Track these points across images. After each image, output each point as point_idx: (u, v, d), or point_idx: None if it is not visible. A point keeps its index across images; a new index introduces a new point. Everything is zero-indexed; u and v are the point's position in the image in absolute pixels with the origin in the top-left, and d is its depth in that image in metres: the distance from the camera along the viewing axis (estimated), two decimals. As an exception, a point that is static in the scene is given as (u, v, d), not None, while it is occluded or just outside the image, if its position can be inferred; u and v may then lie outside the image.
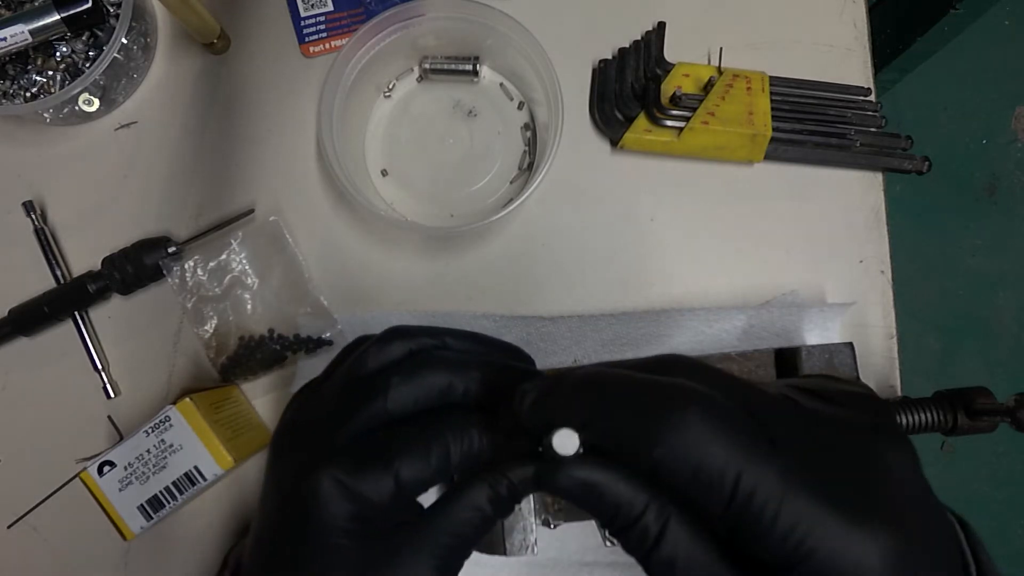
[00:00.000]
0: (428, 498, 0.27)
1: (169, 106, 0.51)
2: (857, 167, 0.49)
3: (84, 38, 0.48)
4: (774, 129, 0.47)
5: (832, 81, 0.50)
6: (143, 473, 0.41)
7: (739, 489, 0.21)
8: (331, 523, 0.25)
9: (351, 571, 0.24)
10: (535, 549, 0.40)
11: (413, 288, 0.49)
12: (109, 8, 0.48)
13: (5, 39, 0.44)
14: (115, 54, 0.46)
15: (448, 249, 0.49)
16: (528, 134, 0.50)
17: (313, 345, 0.47)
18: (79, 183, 0.50)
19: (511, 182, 0.50)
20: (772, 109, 0.47)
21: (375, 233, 0.49)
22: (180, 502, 0.42)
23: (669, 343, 0.46)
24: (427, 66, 0.50)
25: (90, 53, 0.48)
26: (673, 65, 0.49)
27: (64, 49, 0.48)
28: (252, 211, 0.49)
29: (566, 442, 0.23)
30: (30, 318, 0.47)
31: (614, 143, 0.49)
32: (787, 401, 0.24)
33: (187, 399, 0.41)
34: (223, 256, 0.47)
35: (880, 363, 0.48)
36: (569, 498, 0.23)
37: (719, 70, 0.49)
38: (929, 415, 0.40)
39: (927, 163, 0.48)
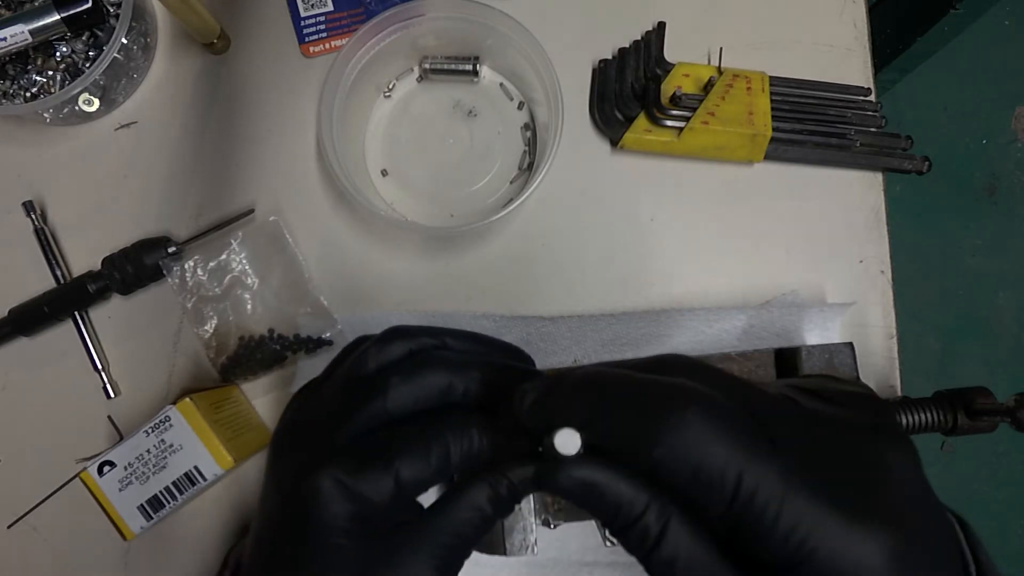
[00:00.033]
0: (428, 498, 0.27)
1: (169, 106, 0.51)
2: (857, 167, 0.49)
3: (84, 38, 0.48)
4: (774, 129, 0.47)
5: (832, 81, 0.50)
6: (143, 473, 0.41)
7: (741, 489, 0.21)
8: (331, 523, 0.25)
9: (351, 571, 0.24)
10: (535, 549, 0.40)
11: (413, 288, 0.49)
12: (109, 8, 0.48)
13: (5, 39, 0.44)
14: (115, 54, 0.46)
15: (448, 249, 0.49)
16: (528, 134, 0.50)
17: (313, 345, 0.47)
18: (79, 183, 0.50)
19: (511, 182, 0.50)
20: (772, 109, 0.47)
21: (375, 233, 0.49)
22: (180, 502, 0.42)
23: (669, 343, 0.46)
24: (427, 66, 0.50)
25: (90, 53, 0.48)
26: (673, 65, 0.49)
27: (64, 49, 0.48)
28: (252, 211, 0.49)
29: (568, 442, 0.23)
30: (30, 318, 0.47)
31: (614, 143, 0.49)
32: (787, 401, 0.24)
33: (187, 399, 0.41)
34: (223, 256, 0.47)
35: (880, 363, 0.48)
36: (569, 498, 0.23)
37: (719, 70, 0.49)
38: (929, 415, 0.40)
39: (927, 163, 0.48)
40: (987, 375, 1.32)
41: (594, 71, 0.50)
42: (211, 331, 0.47)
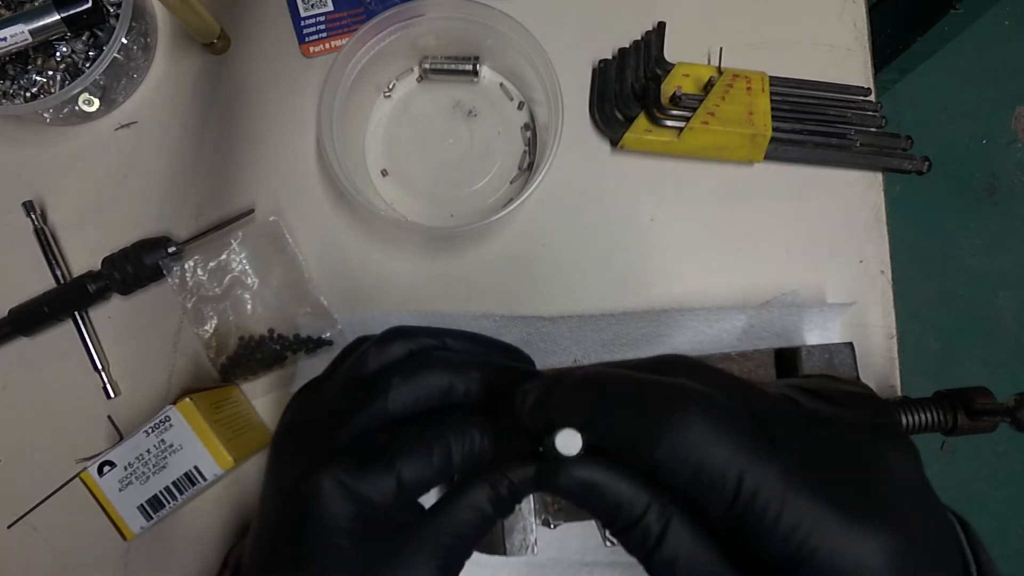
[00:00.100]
0: (428, 499, 0.27)
1: (169, 106, 0.51)
2: (857, 167, 0.49)
3: (84, 38, 0.48)
4: (774, 129, 0.47)
5: (832, 81, 0.50)
6: (143, 473, 0.41)
7: (742, 489, 0.21)
8: (332, 523, 0.25)
9: (351, 571, 0.24)
10: (535, 549, 0.40)
11: (413, 288, 0.49)
12: (109, 8, 0.48)
13: (5, 39, 0.44)
14: (115, 54, 0.46)
15: (448, 249, 0.49)
16: (528, 134, 0.50)
17: (313, 345, 0.47)
18: (79, 183, 0.50)
19: (511, 182, 0.50)
20: (772, 109, 0.47)
21: (375, 233, 0.49)
22: (180, 502, 0.42)
23: (669, 343, 0.46)
24: (427, 66, 0.50)
25: (90, 53, 0.48)
26: (673, 65, 0.49)
27: (64, 49, 0.48)
28: (252, 211, 0.49)
29: (569, 442, 0.23)
30: (30, 318, 0.47)
31: (614, 143, 0.49)
32: (788, 401, 0.24)
33: (187, 399, 0.41)
34: (223, 256, 0.47)
35: (880, 363, 0.48)
36: (570, 498, 0.23)
37: (719, 70, 0.49)
38: (929, 415, 0.40)
39: (927, 163, 0.48)
40: (987, 375, 1.32)
41: (594, 71, 0.50)
42: (211, 331, 0.47)
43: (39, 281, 0.48)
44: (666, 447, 0.21)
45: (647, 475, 0.22)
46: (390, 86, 0.51)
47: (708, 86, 0.48)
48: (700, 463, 0.21)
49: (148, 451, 0.41)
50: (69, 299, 0.47)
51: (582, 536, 0.45)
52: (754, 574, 0.22)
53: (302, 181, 0.50)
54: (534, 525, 0.40)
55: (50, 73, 0.47)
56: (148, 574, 0.48)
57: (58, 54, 0.48)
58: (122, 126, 0.51)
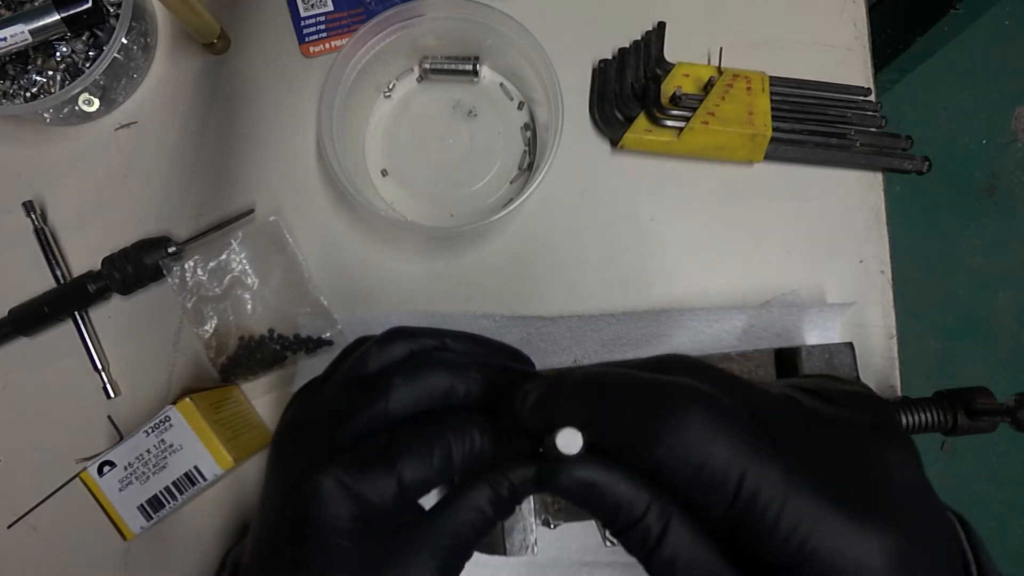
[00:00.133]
0: (427, 499, 0.27)
1: (169, 106, 0.51)
2: (857, 167, 0.49)
3: (84, 38, 0.48)
4: (774, 129, 0.47)
5: (832, 81, 0.50)
6: (143, 473, 0.41)
7: (743, 489, 0.21)
8: (332, 524, 0.25)
9: (351, 572, 0.24)
10: (535, 549, 0.40)
11: (413, 288, 0.49)
12: (109, 8, 0.48)
13: (5, 39, 0.44)
14: (115, 54, 0.46)
15: (448, 249, 0.49)
16: (528, 134, 0.50)
17: (313, 345, 0.47)
18: (79, 183, 0.50)
19: (511, 182, 0.50)
20: (772, 109, 0.47)
21: (375, 233, 0.49)
22: (180, 502, 0.42)
23: (669, 343, 0.46)
24: (427, 66, 0.50)
25: (90, 53, 0.48)
26: (673, 65, 0.49)
27: (64, 49, 0.48)
28: (252, 211, 0.49)
29: (570, 441, 0.23)
30: (30, 318, 0.47)
31: (614, 143, 0.49)
32: (788, 401, 0.24)
33: (187, 399, 0.41)
34: (223, 256, 0.47)
35: (880, 363, 0.48)
36: (570, 498, 0.23)
37: (719, 70, 0.49)
38: (929, 415, 0.40)
39: (927, 163, 0.48)
40: (987, 375, 1.32)
41: (594, 71, 0.50)
42: (211, 331, 0.47)
43: (39, 281, 0.48)
44: (667, 446, 0.21)
45: (648, 474, 0.22)
46: (390, 86, 0.51)
47: (708, 86, 0.48)
48: (701, 462, 0.21)
49: (148, 451, 0.41)
50: (69, 299, 0.47)
51: (582, 536, 0.45)
52: (754, 574, 0.22)
53: (302, 181, 0.50)
54: (534, 525, 0.40)
55: (50, 73, 0.47)
56: (148, 574, 0.48)
57: (58, 54, 0.48)
58: (122, 126, 0.51)
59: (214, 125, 0.50)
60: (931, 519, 0.23)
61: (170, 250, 0.47)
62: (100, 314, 0.49)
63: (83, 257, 0.49)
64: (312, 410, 0.29)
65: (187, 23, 0.46)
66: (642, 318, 0.46)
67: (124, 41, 0.46)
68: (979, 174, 1.35)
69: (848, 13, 0.51)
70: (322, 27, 0.51)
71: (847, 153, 0.48)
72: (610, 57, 0.50)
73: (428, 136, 0.50)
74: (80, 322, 0.48)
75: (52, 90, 0.47)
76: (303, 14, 0.51)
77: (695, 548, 0.22)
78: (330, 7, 0.50)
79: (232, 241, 0.47)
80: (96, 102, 0.48)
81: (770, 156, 0.48)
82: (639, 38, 0.50)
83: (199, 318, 0.47)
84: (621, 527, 0.23)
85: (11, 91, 0.47)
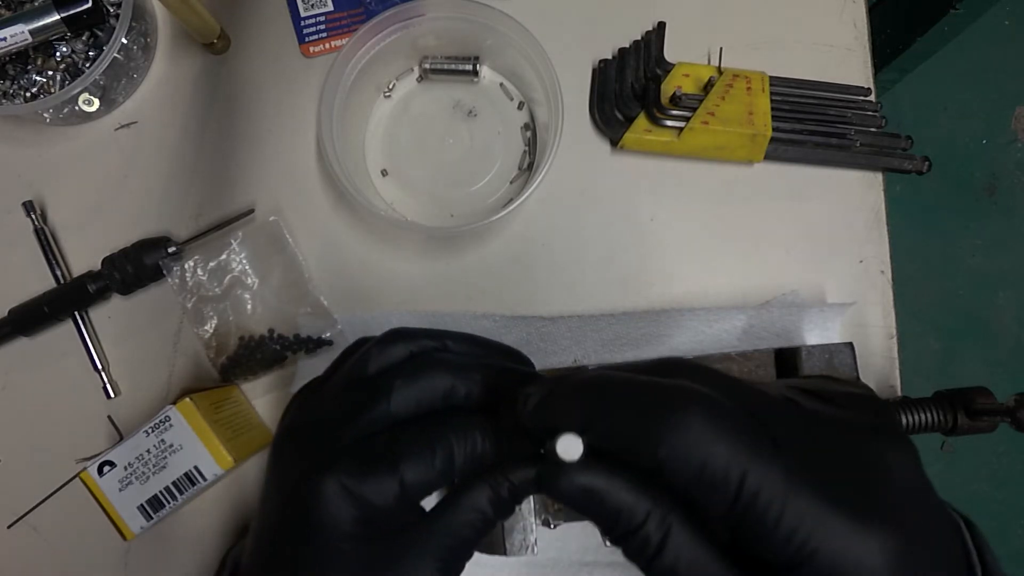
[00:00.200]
0: (428, 500, 0.27)
1: (169, 106, 0.51)
2: (857, 167, 0.49)
3: (84, 38, 0.48)
4: (774, 129, 0.47)
5: (832, 81, 0.50)
6: (143, 473, 0.41)
7: (744, 489, 0.21)
8: (333, 525, 0.25)
9: (352, 573, 0.24)
10: (535, 549, 0.40)
11: (413, 288, 0.49)
12: (109, 8, 0.48)
13: (5, 39, 0.44)
14: (115, 54, 0.46)
15: (448, 249, 0.49)
16: (528, 134, 0.50)
17: (313, 345, 0.47)
18: (79, 183, 0.50)
19: (511, 182, 0.50)
20: (772, 109, 0.47)
21: (375, 233, 0.49)
22: (180, 502, 0.42)
23: (669, 343, 0.46)
24: (427, 66, 0.50)
25: (90, 53, 0.48)
26: (673, 65, 0.49)
27: (64, 49, 0.48)
28: (252, 211, 0.49)
29: (570, 447, 0.23)
30: (30, 318, 0.47)
31: (614, 143, 0.49)
32: (788, 402, 0.24)
33: (187, 399, 0.41)
34: (223, 256, 0.47)
35: (880, 363, 0.48)
36: (570, 503, 0.23)
37: (719, 70, 0.49)
38: (929, 415, 0.40)
39: (927, 163, 0.48)
40: (987, 375, 1.32)
41: (594, 71, 0.50)
42: (211, 331, 0.47)
43: (39, 281, 0.48)
44: (668, 447, 0.21)
45: (649, 475, 0.22)
46: (390, 86, 0.51)
47: (708, 86, 0.48)
48: (702, 462, 0.21)
49: (148, 451, 0.41)
50: (69, 299, 0.47)
51: (582, 536, 0.45)
52: (755, 575, 0.22)
53: (302, 181, 0.50)
54: (534, 525, 0.40)
55: (50, 73, 0.47)
56: (148, 574, 0.48)
57: (58, 54, 0.48)
58: (122, 126, 0.51)
59: (214, 125, 0.50)
60: (932, 519, 0.23)
61: (170, 250, 0.47)
62: (100, 314, 0.49)
63: (83, 257, 0.49)
64: (313, 411, 0.29)
65: (187, 23, 0.46)
66: (642, 318, 0.46)
67: (124, 41, 0.46)
68: (979, 174, 1.35)
69: (848, 13, 0.51)
70: (322, 27, 0.51)
71: (847, 153, 0.48)
72: (610, 57, 0.50)
73: (428, 136, 0.50)
74: (80, 322, 0.48)
75: (52, 90, 0.47)
76: (303, 14, 0.51)
77: (695, 552, 0.22)
78: (330, 7, 0.50)
79: (232, 241, 0.47)
80: (96, 102, 0.48)
81: (770, 156, 0.48)
82: (639, 38, 0.50)
83: (199, 318, 0.47)
84: (621, 534, 0.23)
85: (11, 91, 0.47)
